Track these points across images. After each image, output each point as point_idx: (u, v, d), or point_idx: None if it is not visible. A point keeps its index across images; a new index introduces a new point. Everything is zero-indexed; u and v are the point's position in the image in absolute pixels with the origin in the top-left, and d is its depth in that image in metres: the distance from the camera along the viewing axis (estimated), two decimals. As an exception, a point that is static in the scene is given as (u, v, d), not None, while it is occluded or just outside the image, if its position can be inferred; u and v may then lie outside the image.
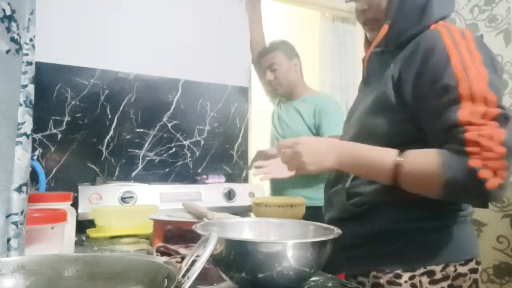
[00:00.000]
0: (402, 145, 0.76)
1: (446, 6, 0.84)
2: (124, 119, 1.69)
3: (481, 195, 0.67)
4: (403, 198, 0.77)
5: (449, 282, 0.77)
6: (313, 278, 0.67)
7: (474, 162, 0.65)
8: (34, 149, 1.47)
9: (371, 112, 0.84)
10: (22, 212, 0.55)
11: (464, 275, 0.78)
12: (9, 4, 0.53)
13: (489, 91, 0.69)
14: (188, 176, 1.79)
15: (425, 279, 0.77)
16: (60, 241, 0.73)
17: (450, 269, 0.77)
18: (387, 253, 0.80)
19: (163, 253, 0.84)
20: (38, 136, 1.51)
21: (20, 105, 0.57)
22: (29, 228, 0.61)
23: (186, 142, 1.82)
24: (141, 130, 1.72)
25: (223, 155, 1.89)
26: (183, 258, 0.73)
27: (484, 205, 0.65)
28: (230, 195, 1.64)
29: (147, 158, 1.72)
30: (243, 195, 1.66)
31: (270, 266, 0.56)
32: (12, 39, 0.53)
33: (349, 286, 0.66)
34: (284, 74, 1.79)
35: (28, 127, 0.58)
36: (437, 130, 0.73)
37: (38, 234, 0.67)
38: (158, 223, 0.98)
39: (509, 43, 1.77)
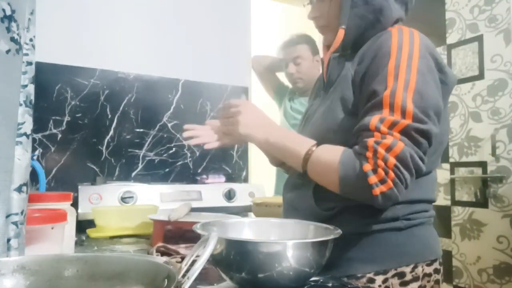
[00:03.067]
0: None
1: (401, 9, 0.85)
2: (124, 119, 1.69)
3: (368, 198, 0.69)
4: None
5: (419, 283, 0.76)
6: (313, 278, 0.66)
7: (367, 167, 0.68)
8: (34, 149, 1.47)
9: (332, 115, 0.82)
10: (22, 212, 0.55)
11: (429, 275, 0.78)
12: (9, 4, 0.52)
13: (410, 102, 0.68)
14: (188, 176, 1.79)
15: (395, 281, 0.75)
16: (60, 241, 0.73)
17: (419, 269, 0.77)
18: (357, 257, 0.78)
19: (163, 253, 0.83)
20: (38, 136, 1.51)
21: (20, 105, 0.57)
22: (29, 228, 0.61)
23: (186, 142, 1.82)
24: (141, 130, 1.72)
25: (223, 155, 1.89)
26: (183, 258, 0.73)
27: (379, 206, 0.61)
28: (230, 195, 1.64)
29: (147, 158, 1.72)
30: (243, 195, 1.66)
31: (270, 266, 0.56)
32: (12, 39, 0.53)
33: (349, 286, 0.66)
34: (307, 69, 1.79)
35: (28, 127, 0.58)
36: (355, 130, 0.74)
37: (38, 234, 0.67)
38: (158, 223, 0.98)
39: (509, 43, 1.77)
